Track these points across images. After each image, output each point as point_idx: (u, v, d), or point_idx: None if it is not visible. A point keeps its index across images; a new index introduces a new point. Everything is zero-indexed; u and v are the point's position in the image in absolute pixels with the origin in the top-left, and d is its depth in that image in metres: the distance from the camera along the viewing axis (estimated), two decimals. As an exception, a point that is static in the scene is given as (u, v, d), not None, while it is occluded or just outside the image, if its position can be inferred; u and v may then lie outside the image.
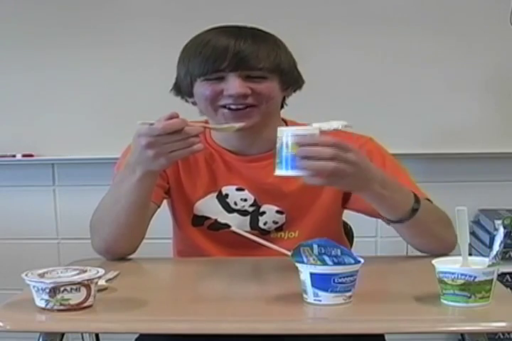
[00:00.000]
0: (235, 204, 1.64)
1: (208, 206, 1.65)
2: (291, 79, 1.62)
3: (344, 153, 1.29)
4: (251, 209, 1.64)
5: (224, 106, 1.56)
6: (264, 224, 1.64)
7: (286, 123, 1.69)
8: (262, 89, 1.55)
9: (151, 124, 1.37)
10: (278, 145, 1.31)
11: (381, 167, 1.61)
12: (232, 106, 1.55)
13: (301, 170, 1.28)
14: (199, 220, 1.66)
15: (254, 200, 1.64)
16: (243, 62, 1.53)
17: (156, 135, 1.36)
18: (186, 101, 1.66)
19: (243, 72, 1.54)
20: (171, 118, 1.37)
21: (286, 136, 1.30)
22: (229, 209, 1.65)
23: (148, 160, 1.40)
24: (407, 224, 1.46)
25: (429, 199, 1.60)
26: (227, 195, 1.65)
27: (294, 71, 1.63)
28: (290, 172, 1.30)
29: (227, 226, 1.64)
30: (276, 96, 1.60)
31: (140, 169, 1.43)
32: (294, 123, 1.69)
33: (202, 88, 1.57)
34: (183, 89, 1.62)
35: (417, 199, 1.45)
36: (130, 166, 1.45)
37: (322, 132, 1.31)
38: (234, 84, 1.53)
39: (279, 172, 1.31)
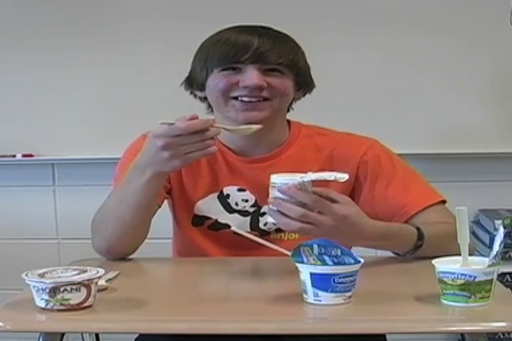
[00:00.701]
0: (236, 204, 1.64)
1: (209, 206, 1.65)
2: (305, 80, 1.64)
3: (317, 215, 1.30)
4: (252, 209, 1.64)
5: (236, 98, 1.56)
6: (265, 224, 1.64)
7: (289, 124, 1.68)
8: (278, 83, 1.56)
9: (171, 124, 1.36)
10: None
11: (390, 171, 1.62)
12: (245, 99, 1.56)
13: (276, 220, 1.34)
14: (199, 220, 1.66)
15: (255, 201, 1.64)
16: (264, 56, 1.54)
17: (176, 135, 1.35)
18: (195, 96, 1.66)
19: (262, 66, 1.55)
20: (191, 119, 1.37)
21: (270, 182, 1.34)
22: (230, 210, 1.65)
23: (161, 162, 1.40)
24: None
25: (444, 201, 1.61)
26: (228, 195, 1.65)
27: (308, 74, 1.64)
28: (270, 219, 1.35)
29: (228, 226, 1.64)
30: (289, 94, 1.61)
31: (151, 170, 1.43)
32: (298, 124, 1.69)
33: (217, 79, 1.57)
34: (196, 82, 1.63)
35: (420, 236, 1.46)
36: (140, 167, 1.45)
37: (307, 182, 1.32)
38: (252, 76, 1.54)
39: (268, 218, 1.37)
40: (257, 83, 1.54)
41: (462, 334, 2.01)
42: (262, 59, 1.54)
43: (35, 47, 2.57)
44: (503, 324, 1.11)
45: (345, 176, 1.30)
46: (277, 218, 1.32)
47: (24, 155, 2.57)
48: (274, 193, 1.33)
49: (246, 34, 1.57)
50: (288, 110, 1.68)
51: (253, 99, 1.56)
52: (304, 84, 1.64)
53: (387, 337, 1.50)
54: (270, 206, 1.33)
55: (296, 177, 1.32)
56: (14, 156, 2.57)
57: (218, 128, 1.41)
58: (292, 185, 1.31)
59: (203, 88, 1.62)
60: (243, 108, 1.56)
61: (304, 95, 1.67)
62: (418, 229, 1.47)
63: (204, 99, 1.65)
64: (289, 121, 1.69)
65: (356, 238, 1.37)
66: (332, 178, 1.29)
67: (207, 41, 1.63)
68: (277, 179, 1.33)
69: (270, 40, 1.56)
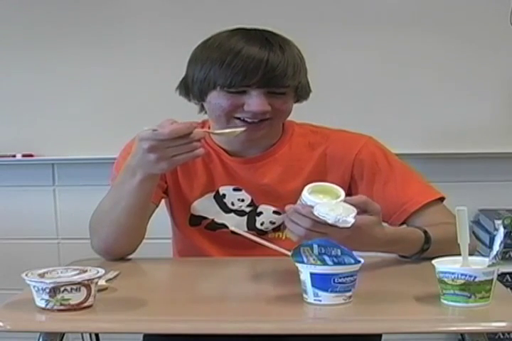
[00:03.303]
0: (232, 204, 1.64)
1: (205, 206, 1.65)
2: (305, 93, 1.62)
3: (327, 226, 1.27)
4: (248, 209, 1.64)
5: (239, 118, 1.55)
6: (261, 224, 1.64)
7: (283, 123, 1.68)
8: (281, 105, 1.55)
9: (155, 130, 1.35)
10: None
11: (387, 169, 1.62)
12: (248, 120, 1.55)
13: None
14: (196, 220, 1.66)
15: (251, 200, 1.64)
16: (272, 80, 1.51)
17: (161, 139, 1.35)
18: (189, 100, 1.65)
19: (269, 89, 1.53)
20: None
21: (301, 197, 1.32)
22: (226, 210, 1.65)
23: (149, 164, 1.40)
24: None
25: (442, 198, 1.61)
26: (224, 195, 1.65)
27: (307, 84, 1.62)
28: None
29: (224, 226, 1.64)
30: (290, 111, 1.60)
31: (141, 172, 1.43)
32: (292, 123, 1.68)
33: (220, 99, 1.54)
34: (194, 92, 1.59)
35: (427, 239, 1.45)
36: (130, 169, 1.45)
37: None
38: (258, 102, 1.52)
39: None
40: (262, 110, 1.52)
41: (462, 334, 2.01)
42: (269, 84, 1.51)
43: (35, 47, 2.57)
44: (503, 324, 1.11)
45: (351, 220, 1.26)
46: (285, 221, 1.31)
47: (24, 155, 2.57)
48: (297, 202, 1.32)
49: (254, 49, 1.50)
50: None
51: (255, 120, 1.55)
52: (304, 95, 1.63)
53: (384, 336, 1.50)
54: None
55: (316, 201, 1.29)
56: (14, 156, 2.57)
57: (206, 132, 1.41)
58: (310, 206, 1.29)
59: (201, 99, 1.59)
60: (245, 127, 1.54)
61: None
62: (425, 232, 1.46)
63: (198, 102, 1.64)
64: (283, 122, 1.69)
65: (366, 245, 1.35)
66: (331, 222, 1.26)
67: (207, 45, 1.57)
68: (307, 196, 1.30)
69: (279, 57, 1.51)
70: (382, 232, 1.38)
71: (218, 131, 1.54)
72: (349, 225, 1.24)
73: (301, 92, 1.60)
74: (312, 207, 1.27)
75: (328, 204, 1.28)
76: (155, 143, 1.36)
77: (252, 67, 1.49)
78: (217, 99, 1.55)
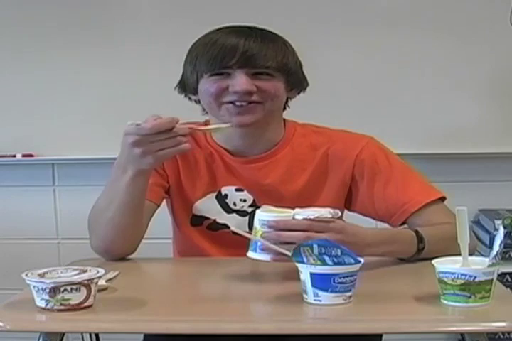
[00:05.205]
0: (234, 204, 1.64)
1: (207, 206, 1.65)
2: (297, 80, 1.63)
3: (320, 234, 1.29)
4: (250, 209, 1.64)
5: (228, 102, 1.56)
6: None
7: (285, 123, 1.68)
8: (268, 87, 1.56)
9: (138, 125, 1.37)
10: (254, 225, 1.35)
11: (387, 169, 1.62)
12: (237, 103, 1.56)
13: (272, 255, 1.31)
14: (198, 220, 1.66)
15: (254, 201, 1.64)
16: (251, 60, 1.53)
17: (143, 134, 1.36)
18: (190, 99, 1.66)
19: (250, 70, 1.54)
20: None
21: (257, 219, 1.33)
22: (228, 210, 1.65)
23: (136, 159, 1.40)
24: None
25: (442, 198, 1.61)
26: (226, 196, 1.65)
27: (300, 73, 1.64)
28: (260, 256, 1.32)
29: (226, 226, 1.64)
30: (281, 95, 1.60)
31: (131, 168, 1.43)
32: (294, 123, 1.69)
33: (207, 84, 1.57)
34: (188, 86, 1.63)
35: (420, 239, 1.46)
36: (121, 166, 1.45)
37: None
38: (241, 81, 1.53)
39: (249, 254, 1.34)
40: (246, 88, 1.54)
41: (462, 334, 2.01)
42: (249, 63, 1.54)
43: (35, 47, 2.57)
44: (503, 324, 1.11)
45: (338, 210, 1.34)
46: (281, 247, 1.30)
47: (24, 155, 2.57)
48: (263, 229, 1.32)
49: (233, 36, 1.55)
50: (284, 108, 1.67)
51: (244, 103, 1.56)
52: (296, 83, 1.63)
53: (384, 336, 1.49)
54: (262, 241, 1.30)
55: (289, 214, 1.32)
56: (14, 156, 2.57)
57: (191, 129, 1.41)
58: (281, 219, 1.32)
59: (195, 92, 1.62)
60: (236, 112, 1.56)
61: (298, 93, 1.67)
62: (416, 231, 1.47)
63: (198, 101, 1.65)
64: (284, 120, 1.69)
65: (363, 245, 1.36)
66: (330, 216, 1.31)
67: (196, 43, 1.62)
68: (267, 216, 1.32)
69: (257, 42, 1.55)
70: (369, 230, 1.40)
71: (203, 128, 1.54)
72: (340, 214, 1.33)
73: (293, 79, 1.61)
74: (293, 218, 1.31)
75: (303, 211, 1.32)
76: (138, 137, 1.37)
77: (229, 49, 1.54)
78: (205, 85, 1.58)
